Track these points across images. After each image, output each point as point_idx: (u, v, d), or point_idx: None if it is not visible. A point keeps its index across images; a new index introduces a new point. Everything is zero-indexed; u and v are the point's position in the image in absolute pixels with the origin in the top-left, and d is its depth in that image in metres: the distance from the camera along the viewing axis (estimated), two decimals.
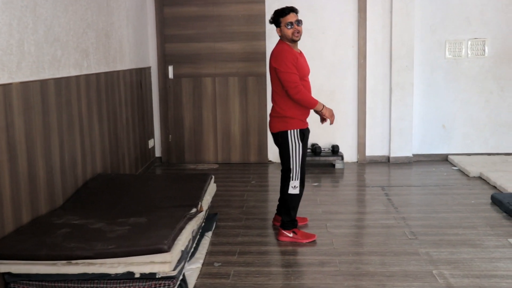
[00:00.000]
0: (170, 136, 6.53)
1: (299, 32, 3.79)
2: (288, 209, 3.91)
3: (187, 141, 6.51)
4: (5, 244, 2.78)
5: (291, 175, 3.84)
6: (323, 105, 3.81)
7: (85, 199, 3.73)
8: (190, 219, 3.29)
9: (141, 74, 5.96)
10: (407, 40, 6.10)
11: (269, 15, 6.14)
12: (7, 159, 2.95)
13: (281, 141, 3.85)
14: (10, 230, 2.98)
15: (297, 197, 3.92)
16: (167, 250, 2.72)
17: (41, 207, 3.37)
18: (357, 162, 6.44)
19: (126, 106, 5.32)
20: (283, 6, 3.93)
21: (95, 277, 2.83)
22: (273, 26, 6.27)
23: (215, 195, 4.94)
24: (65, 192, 3.75)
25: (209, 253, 3.68)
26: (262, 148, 6.47)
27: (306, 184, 4.63)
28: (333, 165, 6.19)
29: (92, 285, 2.83)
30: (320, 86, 6.31)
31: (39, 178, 3.34)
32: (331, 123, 3.90)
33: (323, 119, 3.93)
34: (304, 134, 3.84)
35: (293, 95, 3.69)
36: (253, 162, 6.50)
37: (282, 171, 3.97)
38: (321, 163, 6.25)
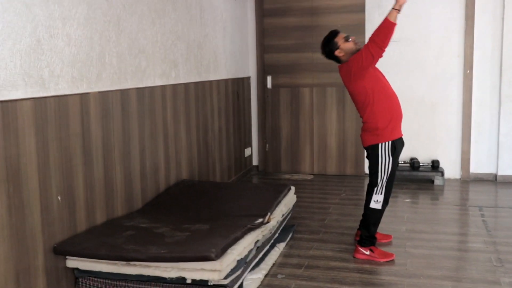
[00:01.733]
0: (268, 145, 6.61)
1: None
2: (368, 224, 3.78)
3: (284, 150, 6.54)
4: (73, 242, 2.99)
5: (376, 189, 3.72)
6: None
7: (161, 203, 3.90)
8: (252, 229, 3.30)
9: (239, 84, 6.11)
10: None
11: (369, 24, 6.03)
12: (82, 163, 3.19)
13: (371, 154, 3.73)
14: (83, 229, 3.21)
15: (379, 213, 3.77)
16: (214, 258, 2.76)
17: (117, 210, 3.59)
18: (460, 179, 6.03)
19: (220, 115, 5.48)
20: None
21: (151, 279, 2.96)
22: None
23: (299, 206, 4.94)
24: (145, 196, 3.95)
25: (277, 265, 3.67)
26: (359, 160, 6.31)
27: (398, 199, 4.43)
28: (432, 181, 5.85)
29: (149, 287, 2.96)
30: (421, 97, 6.03)
31: (116, 182, 3.56)
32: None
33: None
34: (395, 147, 3.67)
35: (379, 42, 3.44)
36: (349, 175, 6.36)
37: (368, 185, 3.84)
38: (420, 178, 5.95)
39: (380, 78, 3.72)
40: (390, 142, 3.65)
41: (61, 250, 2.93)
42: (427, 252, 3.84)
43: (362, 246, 3.77)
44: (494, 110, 5.83)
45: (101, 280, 3.04)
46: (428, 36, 5.97)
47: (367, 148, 3.78)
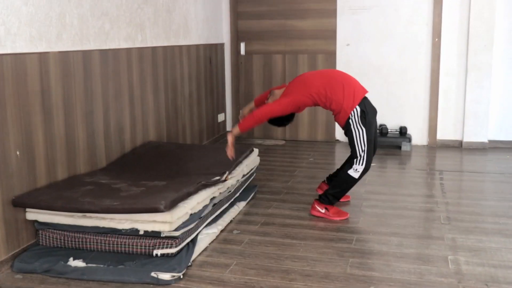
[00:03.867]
0: (241, 111, 6.68)
1: None
2: (337, 186, 3.85)
3: None
4: (31, 195, 3.11)
5: (356, 160, 3.76)
6: (233, 138, 3.76)
7: (125, 162, 4.01)
8: (207, 186, 3.43)
9: (212, 50, 6.17)
10: (487, 17, 5.70)
11: None
12: (41, 120, 3.28)
13: (347, 130, 3.78)
14: (43, 184, 3.32)
15: (354, 181, 3.82)
16: (163, 210, 2.89)
17: (80, 167, 3.69)
18: (427, 145, 6.18)
19: (190, 80, 5.56)
20: None
21: (107, 231, 3.09)
22: (344, 3, 6.20)
23: (266, 169, 5.09)
24: (110, 155, 4.06)
25: (235, 222, 3.81)
26: (330, 127, 6.44)
27: None
28: (400, 147, 6.00)
29: (105, 238, 3.10)
30: (391, 65, 6.14)
31: (79, 140, 3.66)
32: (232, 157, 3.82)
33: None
34: (365, 116, 3.71)
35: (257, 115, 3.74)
36: (320, 141, 6.49)
37: (349, 156, 3.90)
38: (388, 144, 6.09)
39: (311, 78, 3.82)
40: (356, 109, 3.70)
41: (19, 202, 3.04)
42: (380, 211, 4.00)
43: (320, 202, 3.89)
44: (461, 78, 5.95)
45: (60, 232, 3.17)
46: (398, 5, 6.04)
47: (343, 128, 3.82)
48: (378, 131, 6.02)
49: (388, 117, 6.21)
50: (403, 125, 6.17)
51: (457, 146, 6.07)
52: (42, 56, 3.28)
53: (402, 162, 5.58)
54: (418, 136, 6.19)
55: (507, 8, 5.77)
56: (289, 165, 5.41)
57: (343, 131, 3.88)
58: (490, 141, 6.00)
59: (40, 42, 3.28)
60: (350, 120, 3.71)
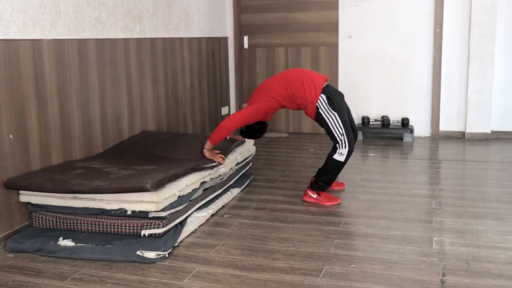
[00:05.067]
0: (244, 104, 6.74)
1: None
2: (326, 172, 3.88)
3: None
4: (23, 177, 3.20)
5: (338, 145, 3.81)
6: (210, 150, 3.82)
7: (119, 149, 4.09)
8: (196, 170, 3.49)
9: (214, 43, 6.24)
10: (489, 5, 5.67)
11: None
12: (35, 105, 3.38)
13: (320, 121, 3.82)
14: (37, 168, 3.42)
15: (341, 164, 3.85)
16: (150, 189, 2.96)
17: (75, 153, 3.79)
18: (430, 136, 6.16)
19: (192, 72, 5.63)
20: None
21: (97, 212, 3.17)
22: None
23: (264, 159, 5.15)
24: (106, 143, 4.14)
25: (227, 207, 3.86)
26: None
27: (361, 154, 4.52)
28: (402, 139, 6.00)
29: (95, 219, 3.19)
30: (393, 56, 6.14)
31: (74, 126, 3.76)
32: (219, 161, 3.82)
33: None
34: (331, 99, 3.76)
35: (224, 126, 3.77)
36: (323, 133, 6.46)
37: (332, 147, 3.92)
38: (389, 136, 6.09)
39: (271, 83, 3.91)
40: (321, 97, 3.74)
41: (11, 184, 3.14)
42: (372, 197, 4.02)
43: (311, 189, 3.94)
44: (463, 68, 5.93)
45: (52, 213, 3.26)
46: None
47: (316, 119, 3.87)
48: (381, 122, 6.06)
49: (390, 109, 6.21)
50: (405, 116, 6.16)
51: (460, 137, 6.05)
52: (36, 43, 3.38)
53: (402, 152, 5.58)
54: (421, 127, 6.18)
55: None
56: (289, 156, 5.45)
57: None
58: (493, 132, 5.96)
59: (34, 29, 3.38)
60: (320, 110, 3.76)
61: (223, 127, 3.76)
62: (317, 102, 3.74)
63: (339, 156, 3.79)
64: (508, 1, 5.74)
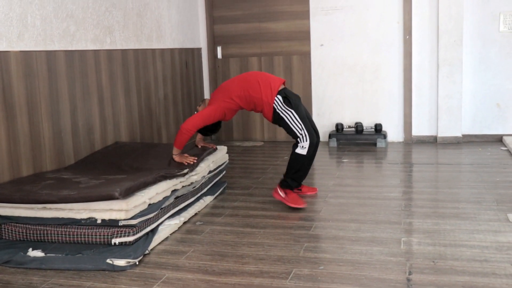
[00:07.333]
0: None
1: None
2: (291, 168, 3.91)
3: (235, 119, 6.73)
4: None
5: (299, 139, 3.84)
6: (179, 154, 3.92)
7: (91, 161, 4.09)
8: (167, 177, 3.51)
9: (188, 54, 6.28)
10: (456, 13, 5.80)
11: None
12: (3, 116, 3.38)
13: (278, 120, 3.88)
14: (6, 179, 3.40)
15: (304, 159, 3.86)
16: (118, 197, 2.97)
17: (46, 164, 3.78)
18: (403, 142, 6.25)
19: (165, 83, 5.66)
20: None
21: (67, 222, 3.16)
22: (317, 4, 6.35)
23: (239, 168, 5.17)
24: (78, 154, 4.14)
25: (200, 214, 3.88)
26: None
27: (335, 160, 4.56)
28: (375, 144, 6.07)
29: (65, 229, 3.17)
30: (364, 63, 6.24)
31: (44, 138, 3.75)
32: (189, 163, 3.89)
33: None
34: (287, 98, 3.83)
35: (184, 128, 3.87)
36: None
37: (293, 144, 3.97)
38: (363, 142, 6.17)
39: (229, 84, 4.00)
40: (277, 97, 3.82)
41: None
42: (344, 201, 4.07)
43: (281, 186, 3.99)
44: (433, 74, 6.04)
45: (21, 225, 3.24)
46: (369, 4, 6.15)
47: (274, 120, 3.93)
48: (353, 128, 6.14)
49: (363, 115, 6.30)
50: (378, 122, 6.25)
51: (432, 142, 6.14)
52: (2, 55, 3.38)
53: (376, 157, 5.65)
54: (394, 132, 6.27)
55: (474, 3, 5.87)
56: (264, 164, 5.49)
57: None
58: (464, 135, 6.07)
59: (0, 41, 3.38)
60: (277, 110, 3.84)
61: (183, 129, 3.84)
62: (274, 102, 3.83)
63: (301, 150, 3.82)
64: (473, 8, 5.87)
